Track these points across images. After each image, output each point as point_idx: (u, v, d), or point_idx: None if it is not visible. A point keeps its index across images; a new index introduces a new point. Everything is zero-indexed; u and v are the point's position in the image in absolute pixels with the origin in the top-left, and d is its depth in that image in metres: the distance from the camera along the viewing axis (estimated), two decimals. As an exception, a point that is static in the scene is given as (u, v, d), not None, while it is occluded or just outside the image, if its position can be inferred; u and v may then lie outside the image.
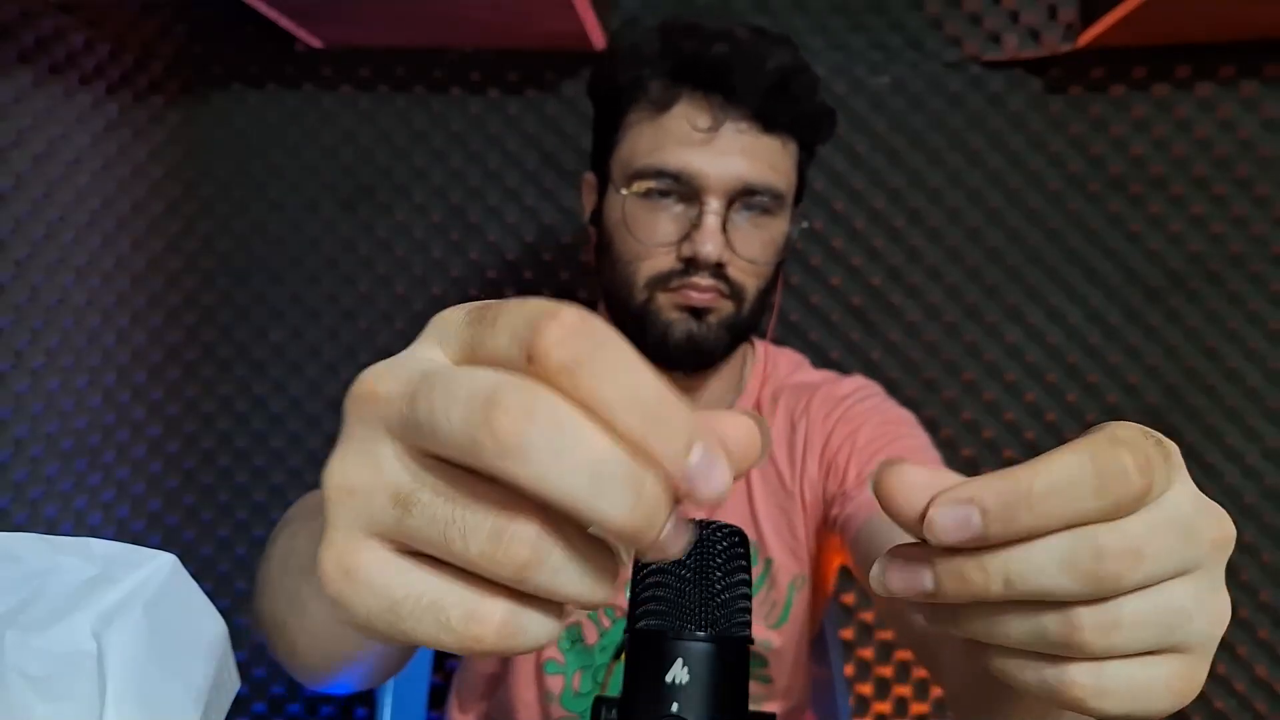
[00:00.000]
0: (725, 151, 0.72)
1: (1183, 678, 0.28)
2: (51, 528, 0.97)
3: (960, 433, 1.15)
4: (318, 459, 1.19)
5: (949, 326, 1.15)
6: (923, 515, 0.27)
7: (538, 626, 0.25)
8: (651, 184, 0.73)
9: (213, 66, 1.15)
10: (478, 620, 0.24)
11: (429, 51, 1.14)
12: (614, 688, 0.82)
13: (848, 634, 1.19)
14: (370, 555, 0.24)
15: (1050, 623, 0.27)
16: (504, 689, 0.85)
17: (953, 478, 0.27)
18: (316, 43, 1.13)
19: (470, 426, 0.22)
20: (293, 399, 1.19)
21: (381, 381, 0.26)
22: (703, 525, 0.40)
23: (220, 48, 1.14)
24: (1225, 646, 1.13)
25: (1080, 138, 1.11)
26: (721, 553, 0.40)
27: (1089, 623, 0.26)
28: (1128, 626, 0.27)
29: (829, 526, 0.82)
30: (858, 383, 0.86)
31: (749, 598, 0.40)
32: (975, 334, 1.15)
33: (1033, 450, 1.14)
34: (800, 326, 1.16)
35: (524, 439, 0.21)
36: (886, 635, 1.18)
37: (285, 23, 1.06)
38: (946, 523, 0.26)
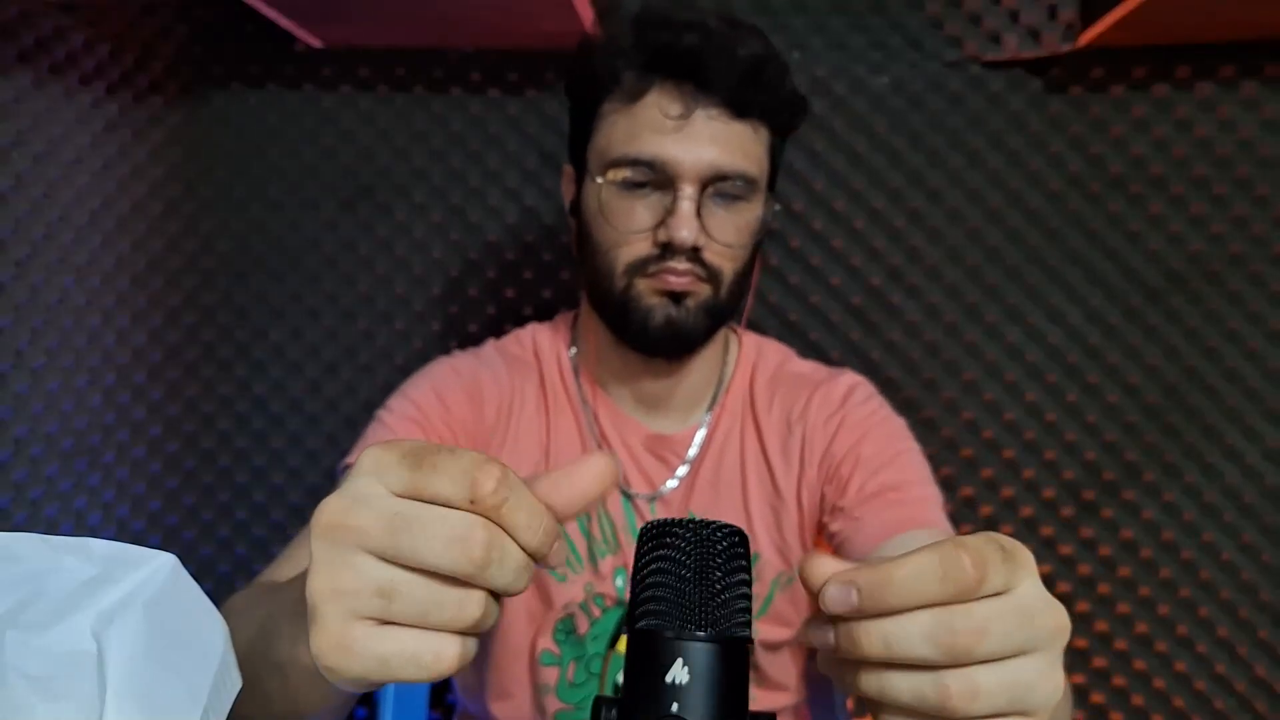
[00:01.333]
0: (697, 138, 0.73)
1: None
2: (51, 528, 0.97)
3: (960, 433, 1.15)
4: (318, 459, 1.19)
5: (949, 326, 1.15)
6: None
7: (473, 648, 0.38)
8: (626, 172, 0.75)
9: (213, 66, 1.15)
10: (444, 659, 0.37)
11: (429, 51, 1.14)
12: (610, 675, 0.82)
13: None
14: (361, 631, 0.36)
15: (925, 685, 0.35)
16: (501, 683, 0.86)
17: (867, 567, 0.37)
18: (316, 43, 1.13)
19: (452, 556, 0.35)
20: (293, 399, 1.19)
21: (350, 515, 0.36)
22: (703, 525, 0.40)
23: (220, 48, 1.14)
24: (1225, 646, 1.13)
25: (1080, 138, 1.11)
26: (722, 552, 0.40)
27: (955, 689, 0.34)
28: (984, 694, 0.34)
29: (825, 536, 0.83)
30: (851, 381, 0.87)
31: (749, 597, 0.40)
32: (975, 334, 1.15)
33: (1033, 450, 1.14)
34: (800, 326, 1.16)
35: (488, 562, 0.36)
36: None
37: (285, 23, 1.06)
38: (833, 597, 0.36)
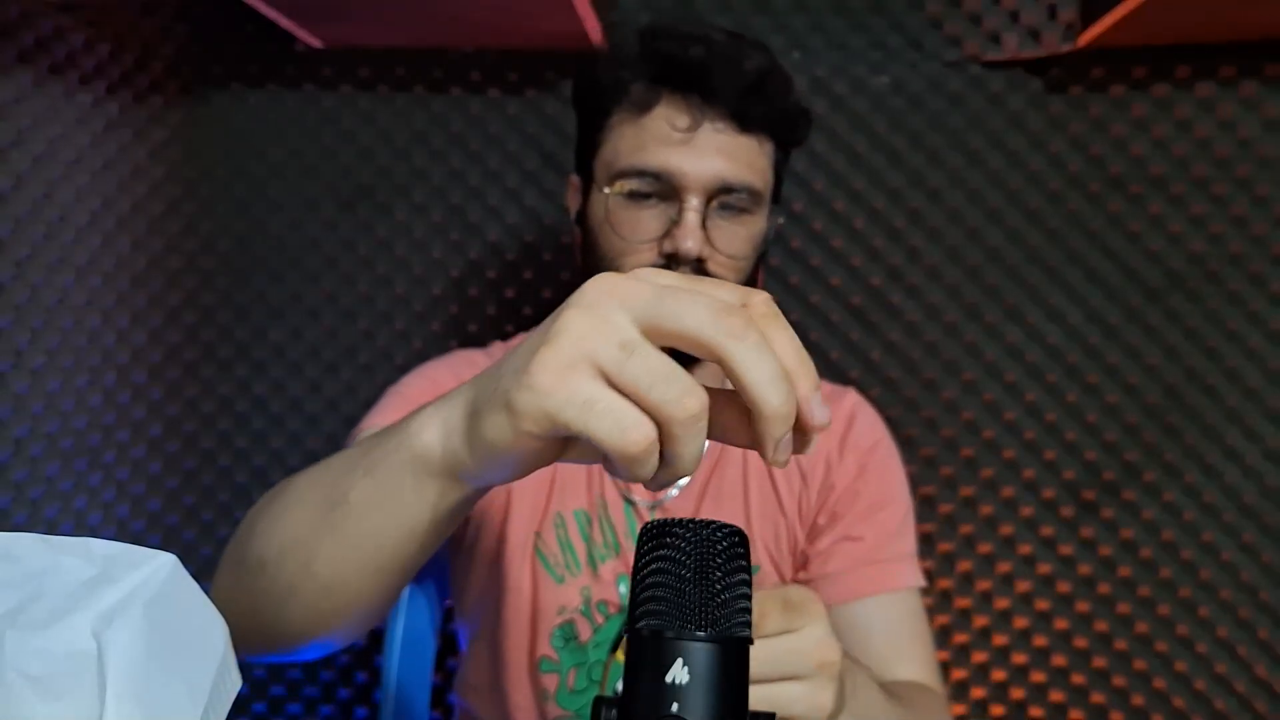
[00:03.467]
0: (704, 150, 0.74)
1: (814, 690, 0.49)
2: (51, 528, 0.97)
3: (960, 433, 1.15)
4: (318, 459, 1.18)
5: (949, 326, 1.15)
6: None
7: (653, 461, 0.37)
8: (634, 183, 0.76)
9: (213, 66, 1.15)
10: (638, 434, 0.36)
11: (429, 51, 1.14)
12: (610, 681, 0.82)
13: (848, 634, 1.19)
14: (584, 371, 0.36)
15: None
16: (501, 689, 0.85)
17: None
18: (316, 43, 1.13)
19: (711, 319, 0.35)
20: (293, 399, 1.19)
21: (622, 283, 0.37)
22: (703, 525, 0.40)
23: (220, 48, 1.14)
24: (1225, 646, 1.13)
25: (1080, 138, 1.11)
26: (722, 552, 0.40)
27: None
28: (756, 701, 0.39)
29: (798, 558, 0.85)
30: (854, 403, 0.90)
31: (749, 598, 0.40)
32: (975, 334, 1.15)
33: (1033, 450, 1.14)
34: (800, 326, 1.16)
35: (743, 337, 0.35)
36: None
37: (285, 23, 1.06)
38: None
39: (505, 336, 1.10)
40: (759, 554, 0.84)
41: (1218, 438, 1.12)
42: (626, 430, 0.35)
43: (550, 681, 0.82)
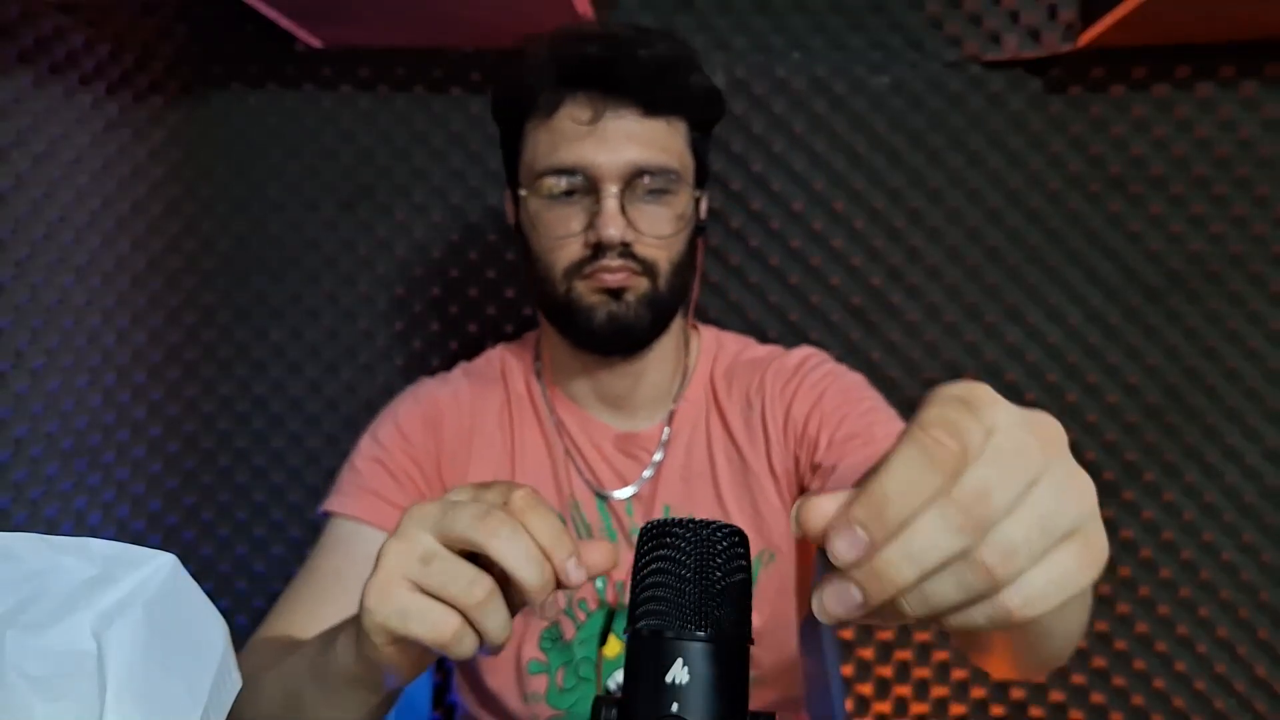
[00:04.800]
0: (612, 139, 0.77)
1: (1084, 555, 0.33)
2: (51, 528, 0.97)
3: (960, 433, 1.15)
4: (318, 459, 1.19)
5: (949, 326, 1.15)
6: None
7: (470, 642, 0.47)
8: (551, 182, 0.78)
9: (213, 66, 1.15)
10: (446, 627, 0.46)
11: (429, 51, 1.14)
12: (603, 676, 0.82)
13: (847, 634, 1.19)
14: (400, 586, 0.47)
15: (966, 575, 0.32)
16: (492, 693, 0.86)
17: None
18: (316, 43, 1.13)
19: (472, 524, 0.46)
20: (293, 399, 1.19)
21: (420, 508, 0.49)
22: (703, 525, 0.40)
23: (220, 48, 1.14)
24: (1225, 646, 1.13)
25: (1080, 138, 1.11)
26: (722, 552, 0.40)
27: (992, 561, 0.32)
28: (1020, 546, 0.32)
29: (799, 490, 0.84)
30: (805, 352, 0.90)
31: (749, 597, 0.40)
32: (975, 334, 1.15)
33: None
34: (800, 326, 1.16)
35: (496, 533, 0.46)
36: (887, 635, 1.18)
37: (285, 23, 1.06)
38: (844, 548, 0.33)
39: (505, 337, 1.10)
40: (735, 522, 0.84)
41: (1218, 438, 1.12)
42: (436, 626, 0.46)
43: (540, 683, 0.83)
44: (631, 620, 0.40)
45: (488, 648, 0.48)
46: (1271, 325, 1.10)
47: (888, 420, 0.82)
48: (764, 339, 0.97)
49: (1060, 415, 1.23)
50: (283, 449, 1.19)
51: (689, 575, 0.39)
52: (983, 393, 0.35)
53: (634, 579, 0.41)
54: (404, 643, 0.48)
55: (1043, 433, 0.34)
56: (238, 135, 1.16)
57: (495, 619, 0.47)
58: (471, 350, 1.02)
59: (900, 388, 1.15)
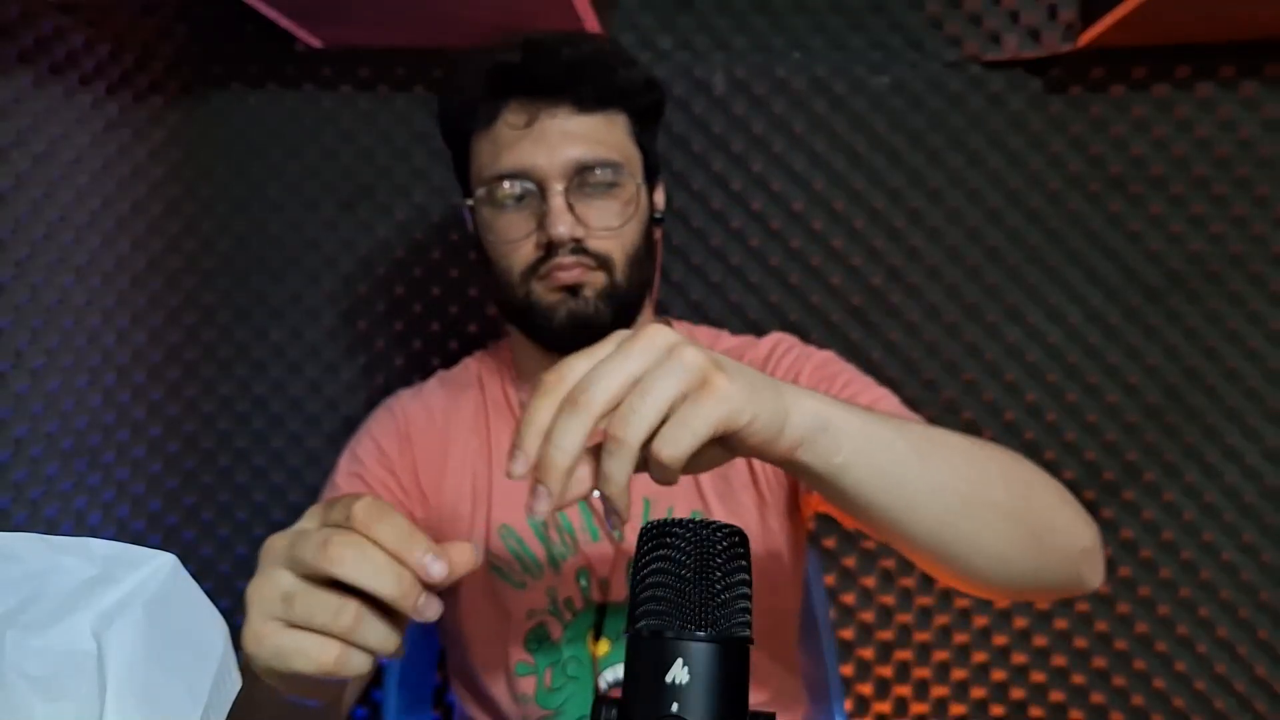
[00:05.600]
0: (549, 139, 0.78)
1: (700, 404, 0.46)
2: (51, 528, 0.97)
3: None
4: (318, 459, 1.19)
5: (949, 326, 1.15)
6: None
7: (359, 660, 0.48)
8: (497, 189, 0.80)
9: (213, 66, 1.15)
10: (324, 657, 0.47)
11: (429, 51, 1.14)
12: (601, 668, 0.82)
13: (847, 634, 1.19)
14: (270, 627, 0.47)
15: (610, 445, 0.45)
16: (483, 695, 0.87)
17: None
18: (316, 43, 1.13)
19: (316, 552, 0.46)
20: (293, 399, 1.19)
21: (271, 541, 0.49)
22: (703, 525, 0.40)
23: (220, 48, 1.14)
24: (1225, 646, 1.13)
25: (1080, 138, 1.11)
26: (722, 552, 0.40)
27: (613, 429, 0.45)
28: (630, 414, 0.45)
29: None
30: (775, 338, 0.91)
31: (749, 597, 0.40)
32: (975, 334, 1.15)
33: (1033, 450, 1.14)
34: (800, 326, 1.16)
35: (339, 560, 0.46)
36: (887, 635, 1.18)
37: (285, 23, 1.06)
38: (514, 467, 0.46)
39: (505, 336, 1.10)
40: (712, 508, 0.85)
41: (1218, 438, 1.12)
42: (316, 658, 0.47)
43: (528, 684, 0.83)
44: (631, 620, 0.40)
45: (383, 658, 0.49)
46: (1271, 325, 1.10)
47: (865, 388, 0.83)
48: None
49: (1061, 415, 1.23)
50: (283, 449, 1.19)
51: (689, 575, 0.39)
52: (600, 345, 0.48)
53: (634, 579, 0.41)
54: (295, 676, 0.48)
55: (643, 344, 0.46)
56: (238, 135, 1.16)
57: (374, 635, 0.47)
58: (471, 350, 1.02)
59: (900, 388, 1.15)
